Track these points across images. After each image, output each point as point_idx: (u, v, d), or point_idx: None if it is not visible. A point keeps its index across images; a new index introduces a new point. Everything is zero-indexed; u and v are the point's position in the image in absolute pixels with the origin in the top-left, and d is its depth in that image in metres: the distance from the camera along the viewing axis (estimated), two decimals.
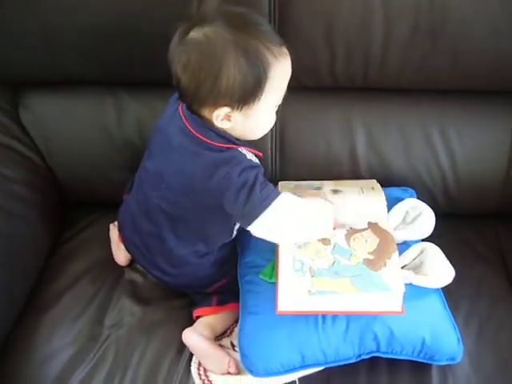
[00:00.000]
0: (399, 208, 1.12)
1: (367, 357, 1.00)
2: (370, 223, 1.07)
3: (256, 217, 0.94)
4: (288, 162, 1.26)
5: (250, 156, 0.99)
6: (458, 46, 1.10)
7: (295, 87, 1.19)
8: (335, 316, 0.99)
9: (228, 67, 0.88)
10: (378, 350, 0.99)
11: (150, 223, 1.08)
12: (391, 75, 1.16)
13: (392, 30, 1.09)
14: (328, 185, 1.18)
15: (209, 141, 0.96)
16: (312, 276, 0.99)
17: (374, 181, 1.20)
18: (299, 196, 1.07)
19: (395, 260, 1.01)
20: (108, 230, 1.28)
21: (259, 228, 0.96)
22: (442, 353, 0.99)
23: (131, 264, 1.23)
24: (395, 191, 1.20)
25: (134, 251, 1.16)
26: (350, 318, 0.99)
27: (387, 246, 1.03)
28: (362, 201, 1.14)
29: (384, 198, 1.14)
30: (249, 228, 0.96)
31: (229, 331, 1.12)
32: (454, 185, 1.25)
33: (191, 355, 1.07)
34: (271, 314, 1.00)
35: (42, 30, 1.13)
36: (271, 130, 1.21)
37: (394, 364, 1.02)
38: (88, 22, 1.11)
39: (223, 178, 0.94)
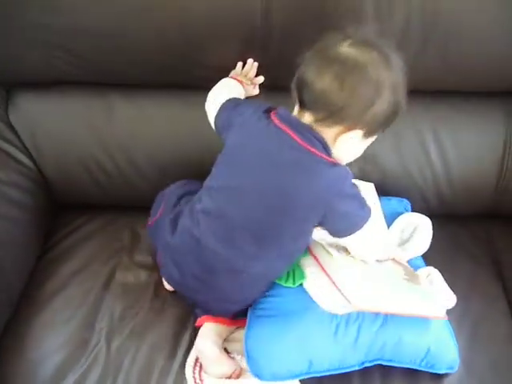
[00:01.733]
0: (395, 227, 1.16)
1: (370, 364, 1.02)
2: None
3: (359, 228, 0.98)
4: None
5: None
6: (450, 46, 1.12)
7: (283, 90, 1.19)
8: (347, 325, 1.00)
9: (384, 99, 0.93)
10: (381, 358, 1.01)
11: (226, 247, 1.01)
12: None
13: (383, 28, 1.07)
14: None
15: (322, 155, 0.95)
16: (365, 279, 1.04)
17: (372, 184, 1.21)
18: None
19: (425, 281, 1.06)
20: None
21: (355, 240, 1.01)
22: (443, 362, 1.02)
23: (121, 265, 1.23)
24: (391, 204, 1.23)
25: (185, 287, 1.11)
26: (360, 327, 1.00)
27: (411, 272, 1.08)
28: None
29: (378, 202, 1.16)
30: (345, 238, 1.00)
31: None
32: (447, 186, 1.27)
33: (184, 358, 1.08)
34: (283, 319, 1.02)
35: (32, 30, 1.13)
36: None
37: (387, 368, 1.03)
38: (78, 23, 1.11)
39: (338, 192, 0.96)
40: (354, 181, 1.16)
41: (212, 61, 1.15)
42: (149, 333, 1.12)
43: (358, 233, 0.98)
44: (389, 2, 1.07)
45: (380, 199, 1.19)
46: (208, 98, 1.14)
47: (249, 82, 1.17)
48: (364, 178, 1.24)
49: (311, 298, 1.03)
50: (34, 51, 1.16)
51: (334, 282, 1.02)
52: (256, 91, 1.20)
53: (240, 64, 1.16)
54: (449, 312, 1.08)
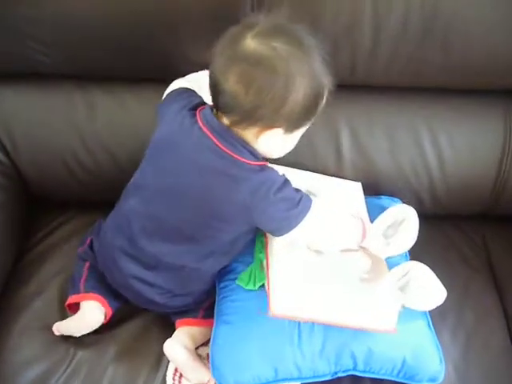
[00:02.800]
0: (382, 219, 1.12)
1: (344, 375, 1.00)
2: (360, 247, 1.07)
3: (296, 224, 0.95)
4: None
5: (278, 168, 0.99)
6: (449, 41, 1.09)
7: None
8: (312, 331, 0.98)
9: (298, 90, 0.88)
10: (354, 369, 0.99)
11: (164, 243, 1.02)
12: (380, 70, 1.15)
13: (381, 24, 1.06)
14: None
15: (246, 160, 0.93)
16: (305, 281, 1.00)
17: (359, 184, 1.20)
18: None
19: (389, 281, 1.02)
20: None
21: (299, 233, 0.96)
22: (423, 373, 0.99)
23: None
24: (381, 202, 1.20)
25: (135, 286, 1.08)
26: (327, 333, 0.98)
27: (380, 267, 1.04)
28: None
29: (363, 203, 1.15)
30: (287, 234, 0.97)
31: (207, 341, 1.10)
32: (442, 186, 1.24)
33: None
34: (245, 325, 1.00)
35: (10, 19, 1.09)
36: None
37: (377, 380, 1.01)
38: (54, 13, 1.07)
39: (263, 197, 0.92)
40: (338, 180, 1.17)
41: (199, 57, 1.09)
42: (133, 339, 1.10)
43: (299, 227, 0.95)
44: None
45: (370, 198, 1.18)
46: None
47: None
48: (357, 177, 1.22)
49: None
50: (7, 41, 1.12)
51: (268, 284, 1.00)
52: None
53: None
54: (443, 321, 1.09)
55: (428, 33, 1.06)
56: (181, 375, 1.04)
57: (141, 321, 1.12)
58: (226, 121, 0.93)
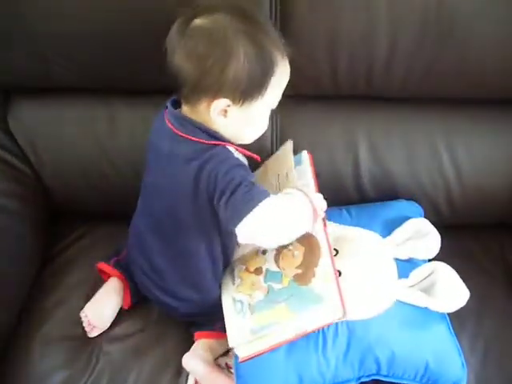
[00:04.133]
0: (406, 226, 1.12)
1: (367, 379, 1.00)
2: None
3: (241, 218, 0.90)
4: None
5: (238, 155, 0.99)
6: (465, 54, 1.09)
7: (295, 96, 1.17)
8: (335, 336, 0.99)
9: (238, 56, 0.88)
10: (378, 373, 1.00)
11: (160, 241, 1.06)
12: (396, 83, 1.16)
13: (398, 36, 1.08)
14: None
15: (196, 139, 0.95)
16: (252, 313, 0.99)
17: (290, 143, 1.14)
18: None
19: (325, 264, 0.97)
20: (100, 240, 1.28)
21: (245, 230, 0.91)
22: (446, 378, 0.99)
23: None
24: (402, 206, 1.20)
25: (143, 280, 1.13)
26: (350, 339, 0.98)
27: (312, 253, 0.99)
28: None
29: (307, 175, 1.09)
30: (235, 230, 0.92)
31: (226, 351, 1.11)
32: (459, 196, 1.25)
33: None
34: None
35: (30, 35, 1.12)
36: (270, 140, 1.18)
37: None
38: (76, 29, 1.10)
39: (209, 177, 0.93)
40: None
41: None
42: (154, 349, 1.11)
43: (243, 223, 0.90)
44: (404, 6, 1.04)
45: (389, 203, 1.20)
46: None
47: None
48: (374, 186, 1.24)
49: None
50: (32, 57, 1.15)
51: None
52: None
53: None
54: (462, 330, 1.09)
55: (444, 44, 1.07)
56: None
57: (162, 332, 1.13)
58: (184, 107, 0.97)
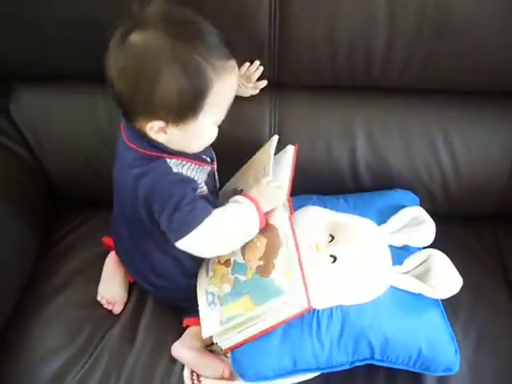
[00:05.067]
0: (402, 214, 1.13)
1: (361, 364, 1.01)
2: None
3: (182, 236, 0.94)
4: None
5: (182, 168, 0.97)
6: (463, 43, 1.10)
7: (294, 86, 1.17)
8: (329, 321, 1.00)
9: (166, 79, 0.86)
10: (372, 358, 1.01)
11: (126, 229, 1.10)
12: (394, 73, 1.16)
13: (396, 25, 1.08)
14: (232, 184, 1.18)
15: (140, 149, 0.96)
16: (221, 305, 1.01)
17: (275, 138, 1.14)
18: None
19: (284, 256, 0.98)
20: (100, 228, 1.29)
21: (185, 245, 0.96)
22: (439, 363, 1.00)
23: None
24: (398, 195, 1.21)
25: (126, 262, 1.17)
26: (344, 323, 0.99)
27: (273, 244, 1.00)
28: None
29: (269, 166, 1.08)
30: (176, 245, 0.96)
31: None
32: (455, 186, 1.26)
33: None
34: None
35: (32, 23, 1.13)
36: (269, 129, 1.21)
37: (392, 371, 1.03)
38: (78, 16, 1.11)
39: (145, 191, 0.95)
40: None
41: None
42: (152, 333, 1.12)
43: (183, 241, 0.94)
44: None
45: (384, 191, 1.21)
46: None
47: (247, 84, 1.15)
48: (371, 175, 1.24)
49: None
50: (35, 44, 1.16)
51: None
52: (255, 91, 1.18)
53: (247, 65, 1.14)
54: (455, 318, 1.10)
55: (442, 34, 1.07)
56: (198, 375, 1.06)
57: (160, 317, 1.15)
58: (123, 118, 0.98)
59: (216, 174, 1.10)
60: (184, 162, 0.98)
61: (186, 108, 0.89)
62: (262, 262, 0.99)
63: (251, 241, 1.02)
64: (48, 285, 1.20)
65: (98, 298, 1.17)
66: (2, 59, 1.19)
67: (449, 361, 1.00)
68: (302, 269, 0.97)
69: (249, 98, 1.16)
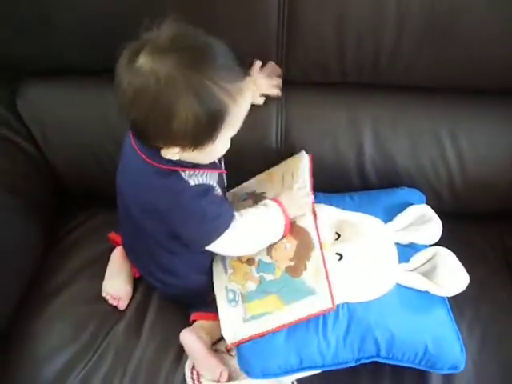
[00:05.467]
0: (409, 212, 1.13)
1: (367, 361, 1.02)
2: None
3: (208, 244, 0.99)
4: None
5: (198, 178, 0.96)
6: (471, 43, 1.10)
7: (301, 84, 1.17)
8: (336, 318, 1.00)
9: (180, 109, 0.83)
10: (377, 355, 1.01)
11: (131, 228, 1.10)
12: (402, 70, 1.16)
13: (405, 22, 1.08)
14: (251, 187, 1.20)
15: (156, 164, 0.94)
16: (244, 302, 1.03)
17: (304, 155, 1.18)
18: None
19: (316, 258, 1.02)
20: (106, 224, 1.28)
21: (210, 249, 1.01)
22: (445, 361, 1.01)
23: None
24: (404, 193, 1.21)
25: (133, 259, 1.18)
26: (350, 320, 1.00)
27: (305, 246, 1.04)
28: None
29: (300, 174, 1.13)
30: (199, 249, 1.01)
31: None
32: (461, 184, 1.25)
33: None
34: None
35: (41, 17, 1.12)
36: (276, 126, 1.22)
37: (397, 368, 1.03)
38: (86, 10, 1.11)
39: (166, 208, 0.95)
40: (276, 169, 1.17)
41: None
42: (158, 329, 1.13)
43: (218, 242, 0.98)
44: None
45: (390, 189, 1.21)
46: None
47: (255, 88, 1.13)
48: (377, 173, 1.24)
49: None
50: (42, 39, 1.16)
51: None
52: (261, 101, 1.17)
53: (259, 62, 1.14)
54: (460, 316, 1.09)
55: (450, 33, 1.07)
56: (198, 374, 1.06)
57: (166, 313, 1.15)
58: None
59: (224, 175, 1.10)
60: (197, 172, 0.97)
61: (202, 134, 0.87)
62: (292, 263, 1.02)
63: (279, 241, 1.05)
64: (53, 281, 1.20)
65: (103, 294, 1.17)
66: (9, 54, 1.19)
67: (455, 359, 1.00)
68: (326, 271, 1.00)
69: None
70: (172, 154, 0.91)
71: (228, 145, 0.96)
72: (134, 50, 0.85)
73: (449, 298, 1.05)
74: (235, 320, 1.02)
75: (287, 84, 1.20)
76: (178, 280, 1.11)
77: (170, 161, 0.93)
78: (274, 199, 1.06)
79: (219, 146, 0.93)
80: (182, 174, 0.95)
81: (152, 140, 0.90)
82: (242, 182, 1.22)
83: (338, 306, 1.00)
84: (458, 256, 1.06)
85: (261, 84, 1.15)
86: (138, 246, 1.12)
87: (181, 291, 1.13)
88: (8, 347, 1.10)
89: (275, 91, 1.17)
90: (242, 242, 1.02)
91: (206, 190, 0.97)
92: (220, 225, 0.97)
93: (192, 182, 0.95)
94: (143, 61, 0.84)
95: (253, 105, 1.03)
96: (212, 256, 1.10)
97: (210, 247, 1.00)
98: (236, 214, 1.01)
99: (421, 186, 1.23)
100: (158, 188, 0.95)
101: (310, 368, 1.01)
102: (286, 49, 1.13)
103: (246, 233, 1.02)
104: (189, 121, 0.84)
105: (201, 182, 0.96)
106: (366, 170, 1.23)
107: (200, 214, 0.95)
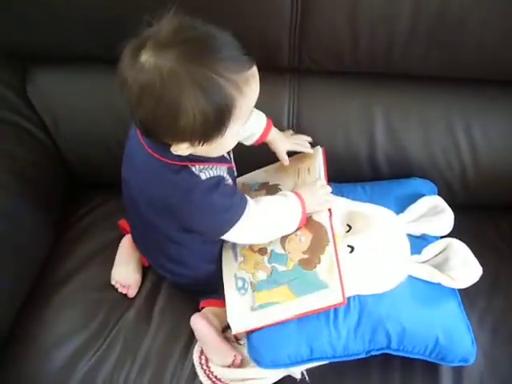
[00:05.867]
0: (421, 203, 1.12)
1: (377, 353, 1.02)
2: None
3: (222, 234, 0.98)
4: None
5: (208, 171, 0.95)
6: (484, 32, 1.08)
7: (313, 72, 1.16)
8: (347, 310, 1.00)
9: (187, 105, 0.81)
10: (388, 347, 1.01)
11: (137, 218, 1.10)
12: (415, 59, 1.15)
13: (420, 10, 1.06)
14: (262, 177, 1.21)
15: (164, 159, 0.93)
16: (253, 291, 1.03)
17: (319, 149, 1.18)
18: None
19: (330, 253, 1.02)
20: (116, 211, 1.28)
21: (226, 237, 1.00)
22: (455, 353, 1.00)
23: None
24: (416, 184, 1.21)
25: (142, 250, 1.18)
26: (362, 312, 1.00)
27: (320, 240, 1.04)
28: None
29: (320, 170, 1.13)
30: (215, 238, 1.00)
31: None
32: (474, 176, 1.25)
33: None
34: None
35: (51, 4, 1.11)
36: (288, 115, 1.22)
37: (408, 360, 1.03)
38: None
39: (179, 204, 0.94)
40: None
41: None
42: (167, 317, 1.13)
43: (232, 232, 0.98)
44: None
45: (404, 181, 1.20)
46: None
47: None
48: (389, 163, 1.24)
49: None
50: (50, 26, 1.15)
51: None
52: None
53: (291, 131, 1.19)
54: (471, 307, 1.09)
55: (465, 22, 1.06)
56: (207, 359, 1.06)
57: (175, 301, 1.15)
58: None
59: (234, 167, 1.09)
60: (207, 166, 0.95)
61: (211, 129, 0.86)
62: (306, 256, 1.02)
63: (294, 233, 1.05)
64: (62, 268, 1.20)
65: (112, 282, 1.18)
66: (19, 41, 1.18)
67: (465, 351, 1.00)
68: (339, 266, 1.00)
69: (268, 84, 1.14)
70: (182, 150, 0.89)
71: (238, 137, 0.95)
72: (136, 46, 0.84)
73: (459, 290, 1.05)
74: (243, 308, 1.02)
75: (300, 73, 1.19)
76: (187, 270, 1.11)
77: (180, 156, 0.92)
78: (294, 192, 1.06)
79: (229, 140, 0.91)
80: (193, 168, 0.94)
81: (161, 137, 0.89)
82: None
83: (349, 298, 0.99)
84: (470, 248, 1.05)
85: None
86: (145, 238, 1.12)
87: (190, 280, 1.13)
88: (17, 334, 1.10)
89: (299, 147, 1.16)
90: (255, 230, 1.02)
91: (218, 182, 0.96)
92: (232, 215, 0.97)
93: (203, 176, 0.94)
94: (146, 57, 0.82)
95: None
96: (222, 244, 1.10)
97: (224, 237, 1.00)
98: (250, 201, 1.00)
99: (432, 177, 1.23)
100: (168, 184, 0.94)
101: (320, 359, 1.01)
102: (299, 37, 1.12)
103: (261, 221, 1.01)
104: (196, 117, 0.82)
105: (212, 175, 0.95)
106: (377, 159, 1.23)
107: (212, 207, 0.95)
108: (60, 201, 1.30)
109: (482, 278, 1.05)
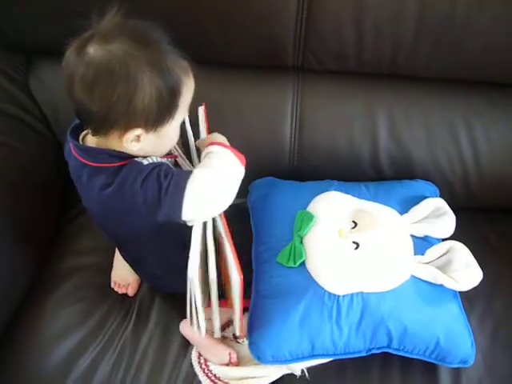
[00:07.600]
0: (425, 205, 1.12)
1: (378, 352, 1.02)
2: None
3: (179, 209, 0.90)
4: (307, 148, 1.24)
5: (152, 159, 0.95)
6: (489, 35, 1.09)
7: (317, 72, 1.16)
8: (350, 307, 1.00)
9: (143, 87, 0.85)
10: (389, 346, 1.01)
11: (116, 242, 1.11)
12: (420, 62, 1.16)
13: (426, 12, 1.07)
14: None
15: (105, 165, 0.92)
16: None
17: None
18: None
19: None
20: None
21: (193, 215, 0.92)
22: (455, 355, 1.01)
23: None
24: (419, 186, 1.21)
25: (132, 267, 1.16)
26: (364, 310, 1.00)
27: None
28: None
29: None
30: (184, 218, 0.93)
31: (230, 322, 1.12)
32: (476, 178, 1.26)
33: None
34: (284, 300, 1.02)
35: None
36: (291, 115, 1.22)
37: (407, 360, 1.03)
38: None
39: (132, 196, 0.91)
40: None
41: None
42: (165, 315, 1.13)
43: (186, 208, 0.90)
44: None
45: (407, 182, 1.21)
46: None
47: None
48: (391, 164, 1.24)
49: (313, 278, 1.03)
50: (53, 19, 1.15)
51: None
52: None
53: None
54: (471, 309, 1.10)
55: (470, 26, 1.07)
56: (205, 359, 1.06)
57: (174, 299, 1.13)
58: (91, 133, 0.93)
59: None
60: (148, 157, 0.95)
61: (164, 109, 0.89)
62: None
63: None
64: (61, 265, 1.20)
65: (112, 285, 1.17)
66: (21, 34, 1.18)
67: (465, 353, 1.01)
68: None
69: (272, 84, 1.15)
70: (134, 139, 0.89)
71: (178, 132, 0.96)
72: (80, 43, 0.86)
73: (460, 293, 1.05)
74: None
75: (304, 72, 1.20)
76: (172, 273, 1.06)
77: (117, 157, 0.91)
78: (211, 144, 1.00)
79: (174, 131, 0.94)
80: (135, 159, 0.93)
81: (112, 127, 0.88)
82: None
83: (352, 294, 1.00)
84: (470, 251, 1.05)
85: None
86: (126, 256, 1.12)
87: (178, 284, 1.05)
88: (16, 330, 1.10)
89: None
90: (211, 190, 0.94)
91: (158, 165, 0.92)
92: (178, 182, 0.90)
93: (146, 162, 0.93)
94: (94, 48, 0.84)
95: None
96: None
97: (188, 212, 0.91)
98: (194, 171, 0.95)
99: (435, 179, 1.23)
100: (116, 185, 0.90)
101: (321, 356, 1.01)
102: (304, 37, 1.13)
103: (210, 178, 0.94)
104: (152, 94, 0.85)
105: (154, 160, 0.95)
106: (380, 160, 1.24)
107: (159, 182, 0.90)
108: (59, 195, 1.29)
109: (482, 280, 1.05)
